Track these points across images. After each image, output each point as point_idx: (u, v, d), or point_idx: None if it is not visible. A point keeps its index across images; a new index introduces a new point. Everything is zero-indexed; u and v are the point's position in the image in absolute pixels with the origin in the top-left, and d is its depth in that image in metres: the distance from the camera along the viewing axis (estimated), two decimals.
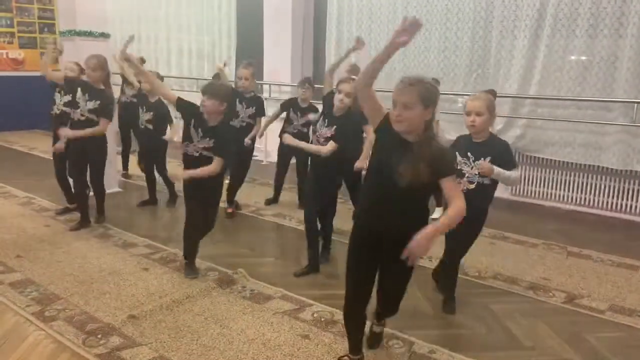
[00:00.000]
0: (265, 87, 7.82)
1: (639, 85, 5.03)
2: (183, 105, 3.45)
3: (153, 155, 5.25)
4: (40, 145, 8.49)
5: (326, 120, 3.62)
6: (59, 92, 4.76)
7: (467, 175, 3.01)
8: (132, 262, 3.88)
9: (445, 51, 6.18)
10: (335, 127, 3.55)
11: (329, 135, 3.56)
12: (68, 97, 4.61)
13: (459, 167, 2.99)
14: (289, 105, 5.24)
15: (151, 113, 5.06)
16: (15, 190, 5.76)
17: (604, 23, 5.13)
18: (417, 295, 3.49)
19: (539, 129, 5.67)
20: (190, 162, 3.47)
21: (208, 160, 3.41)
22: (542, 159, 5.67)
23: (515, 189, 5.81)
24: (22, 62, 10.06)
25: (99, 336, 2.83)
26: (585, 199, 5.54)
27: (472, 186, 3.00)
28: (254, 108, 4.91)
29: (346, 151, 3.59)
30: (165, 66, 9.37)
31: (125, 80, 6.08)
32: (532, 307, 3.35)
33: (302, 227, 4.79)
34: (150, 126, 5.08)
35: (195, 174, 3.38)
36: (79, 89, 4.34)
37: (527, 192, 5.85)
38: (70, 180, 4.76)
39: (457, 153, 3.00)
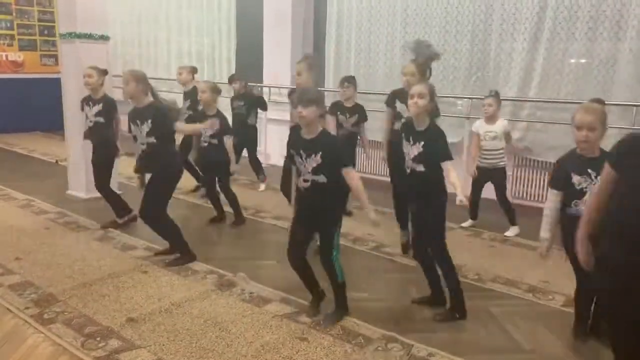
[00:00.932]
0: (265, 89, 7.82)
1: (638, 89, 5.03)
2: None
3: (216, 171, 4.90)
4: (40, 148, 8.50)
5: (410, 137, 3.12)
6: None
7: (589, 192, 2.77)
8: (131, 265, 3.87)
9: (445, 54, 6.16)
10: (423, 143, 3.05)
11: (417, 153, 3.06)
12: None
13: (580, 187, 2.78)
14: (334, 109, 4.96)
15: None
16: (15, 193, 5.76)
17: (603, 26, 5.14)
18: (415, 297, 3.49)
19: (539, 132, 5.67)
20: (301, 197, 3.06)
21: (321, 188, 2.93)
22: (542, 161, 5.67)
23: (515, 192, 5.80)
24: (21, 65, 10.07)
25: (98, 339, 2.82)
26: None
27: None
28: None
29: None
30: (165, 69, 9.38)
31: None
32: (531, 310, 3.35)
33: None
34: (214, 141, 4.70)
35: None
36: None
37: (527, 195, 5.85)
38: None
39: (572, 173, 2.78)
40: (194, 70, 6.04)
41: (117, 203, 4.79)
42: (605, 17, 5.12)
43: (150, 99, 3.92)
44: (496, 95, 4.80)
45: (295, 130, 3.15)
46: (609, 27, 5.11)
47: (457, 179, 3.00)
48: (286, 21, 7.56)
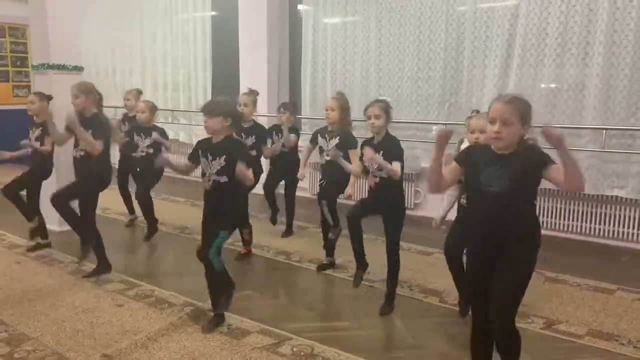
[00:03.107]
0: None
1: (607, 112, 5.16)
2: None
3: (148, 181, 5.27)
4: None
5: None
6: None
7: None
8: (106, 299, 3.78)
9: (418, 81, 6.28)
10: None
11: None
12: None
13: None
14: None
15: (150, 139, 5.13)
16: None
17: (570, 52, 5.29)
18: (397, 325, 3.47)
19: None
20: (207, 196, 3.33)
21: (222, 188, 3.21)
22: None
23: None
24: None
25: None
26: (558, 224, 5.60)
27: None
28: (254, 137, 4.84)
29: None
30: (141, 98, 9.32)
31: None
32: None
33: (279, 258, 4.76)
34: (150, 150, 5.15)
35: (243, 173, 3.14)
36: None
37: None
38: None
39: None
40: (139, 93, 6.05)
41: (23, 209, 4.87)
42: (572, 44, 5.27)
43: (94, 110, 4.16)
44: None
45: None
46: (575, 53, 5.26)
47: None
48: (262, 50, 7.61)
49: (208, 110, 3.19)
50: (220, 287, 3.39)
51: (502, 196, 2.27)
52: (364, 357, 2.98)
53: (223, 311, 3.41)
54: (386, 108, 3.55)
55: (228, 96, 3.95)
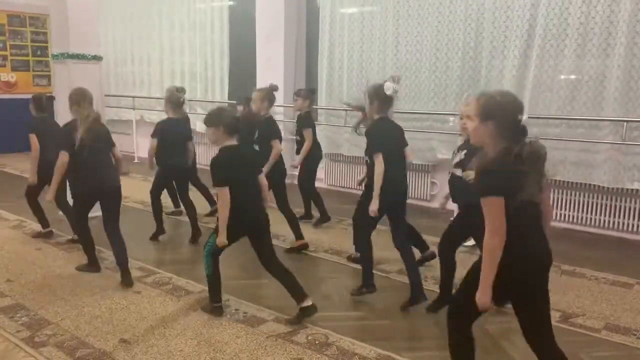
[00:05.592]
0: None
1: (628, 104, 5.07)
2: None
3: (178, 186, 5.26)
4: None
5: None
6: None
7: None
8: None
9: (436, 72, 6.23)
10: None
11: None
12: None
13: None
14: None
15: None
16: (7, 214, 5.72)
17: (591, 43, 5.20)
18: (411, 315, 3.47)
19: None
20: None
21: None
22: None
23: None
24: (14, 85, 10.07)
25: None
26: (577, 217, 5.54)
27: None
28: (257, 133, 4.73)
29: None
30: (158, 88, 9.40)
31: None
32: None
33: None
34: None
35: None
36: None
37: None
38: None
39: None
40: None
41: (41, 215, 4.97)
42: (593, 34, 5.18)
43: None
44: None
45: None
46: (597, 44, 5.17)
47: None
48: (278, 41, 7.60)
49: (205, 121, 3.36)
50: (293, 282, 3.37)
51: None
52: (377, 347, 2.99)
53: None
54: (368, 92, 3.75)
55: (229, 106, 3.93)
